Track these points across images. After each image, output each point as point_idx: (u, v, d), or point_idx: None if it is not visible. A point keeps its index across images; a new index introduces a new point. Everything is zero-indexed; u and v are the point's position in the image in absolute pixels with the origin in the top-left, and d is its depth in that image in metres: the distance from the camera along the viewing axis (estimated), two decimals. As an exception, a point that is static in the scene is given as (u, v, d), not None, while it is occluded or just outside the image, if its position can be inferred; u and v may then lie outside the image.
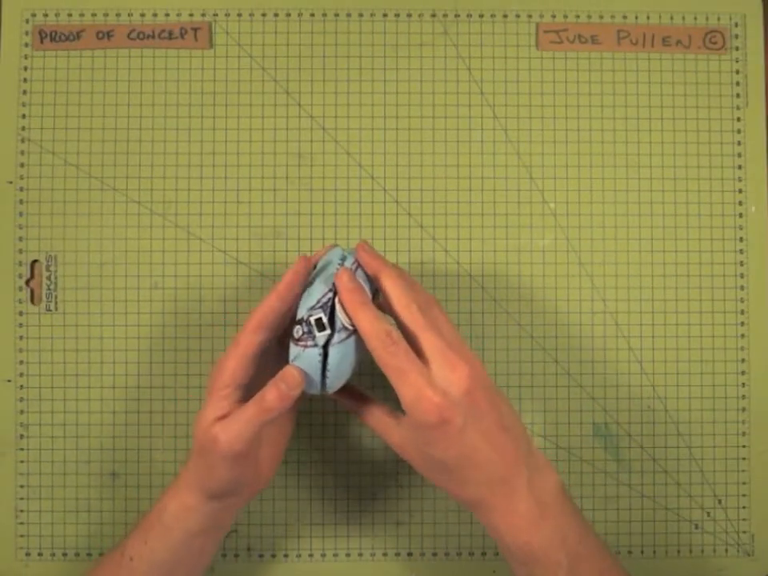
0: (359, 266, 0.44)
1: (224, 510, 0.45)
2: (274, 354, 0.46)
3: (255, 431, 0.42)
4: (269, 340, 0.44)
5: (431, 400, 0.40)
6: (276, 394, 0.41)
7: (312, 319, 0.42)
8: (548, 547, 0.42)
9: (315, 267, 0.45)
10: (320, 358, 0.42)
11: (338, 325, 0.42)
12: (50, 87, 0.54)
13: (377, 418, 0.44)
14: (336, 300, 0.42)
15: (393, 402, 0.43)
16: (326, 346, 0.42)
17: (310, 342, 0.42)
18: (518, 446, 0.42)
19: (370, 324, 0.41)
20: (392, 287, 0.43)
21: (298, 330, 0.42)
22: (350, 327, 0.42)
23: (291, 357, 0.43)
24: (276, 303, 0.43)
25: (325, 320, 0.42)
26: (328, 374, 0.42)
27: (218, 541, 0.47)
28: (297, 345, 0.42)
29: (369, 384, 0.53)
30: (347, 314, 0.42)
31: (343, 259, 0.45)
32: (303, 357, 0.42)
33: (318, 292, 0.43)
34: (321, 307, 0.42)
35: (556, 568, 0.42)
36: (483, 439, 0.41)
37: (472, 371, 0.41)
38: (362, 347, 0.43)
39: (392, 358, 0.41)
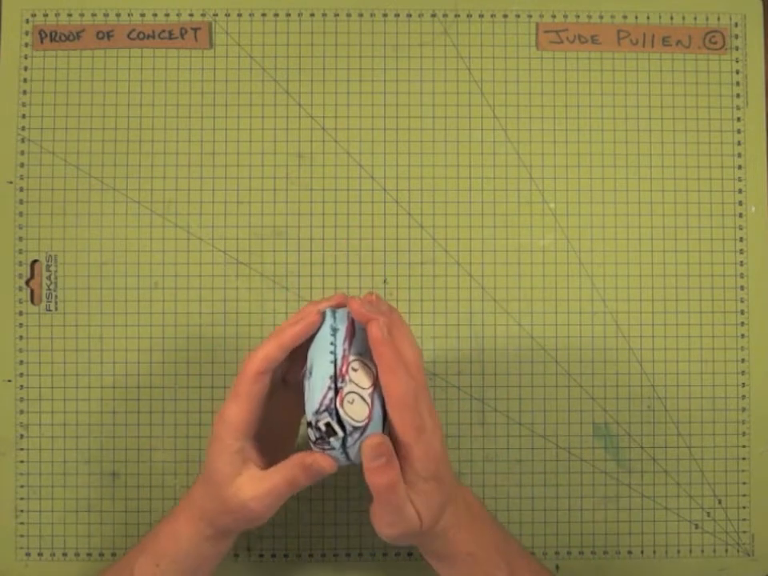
0: (354, 328, 0.42)
1: (230, 540, 0.46)
2: (281, 393, 0.45)
3: (282, 499, 0.42)
4: (268, 385, 0.42)
5: (433, 454, 0.41)
6: (306, 476, 0.41)
7: (321, 425, 0.40)
8: (489, 553, 0.44)
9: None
10: (343, 457, 0.41)
11: (348, 427, 0.39)
12: (50, 87, 0.54)
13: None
14: (338, 401, 0.40)
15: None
16: (343, 447, 0.40)
17: (326, 446, 0.40)
18: (450, 464, 0.44)
19: (405, 381, 0.40)
20: (394, 383, 0.40)
21: (311, 434, 0.40)
22: (360, 423, 0.40)
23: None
24: (277, 353, 0.41)
25: (334, 424, 0.39)
26: (356, 461, 0.41)
27: (218, 563, 0.47)
28: (315, 447, 0.41)
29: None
30: (352, 410, 0.40)
31: (334, 331, 0.41)
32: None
33: (318, 391, 0.40)
34: (326, 411, 0.40)
35: (497, 572, 0.44)
36: (451, 473, 0.43)
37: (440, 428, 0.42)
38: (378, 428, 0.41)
39: (413, 414, 0.40)
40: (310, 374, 0.41)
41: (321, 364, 0.40)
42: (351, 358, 0.40)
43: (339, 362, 0.40)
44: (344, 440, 0.40)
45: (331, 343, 0.41)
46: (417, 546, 0.45)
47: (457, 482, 0.45)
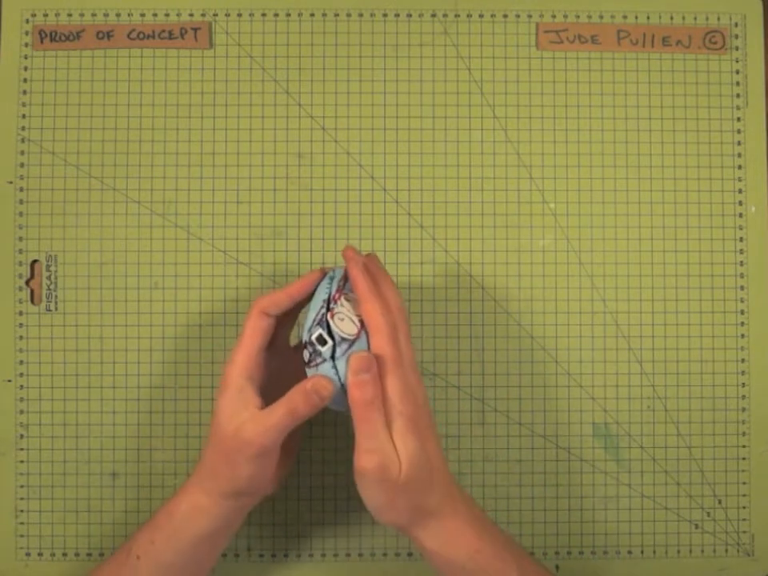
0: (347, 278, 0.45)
1: (234, 512, 0.45)
2: (289, 356, 0.47)
3: (283, 434, 0.42)
4: (270, 329, 0.44)
5: (411, 397, 0.43)
6: (306, 402, 0.42)
7: (313, 338, 0.43)
8: (496, 551, 0.44)
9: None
10: (334, 371, 0.42)
11: (337, 338, 0.43)
12: (49, 87, 0.54)
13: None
14: (329, 315, 0.43)
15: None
16: (333, 358, 0.43)
17: (319, 359, 0.43)
18: (440, 443, 0.45)
19: (381, 317, 0.43)
20: (373, 319, 0.43)
21: (305, 354, 0.43)
22: (349, 336, 0.43)
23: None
24: (283, 299, 0.44)
25: (324, 334, 0.43)
26: (345, 382, 0.43)
27: (224, 545, 0.47)
28: (309, 367, 0.43)
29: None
30: (342, 325, 0.43)
31: (331, 279, 0.45)
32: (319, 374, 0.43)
33: (313, 313, 0.44)
34: (318, 324, 0.43)
35: (509, 570, 0.44)
36: (434, 444, 0.44)
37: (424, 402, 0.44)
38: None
39: (393, 348, 0.42)
40: (308, 309, 0.45)
41: (318, 298, 0.44)
42: (345, 291, 0.44)
43: (333, 292, 0.44)
44: (333, 349, 0.42)
45: (328, 284, 0.45)
46: (420, 546, 0.44)
47: (454, 479, 0.45)
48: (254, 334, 0.44)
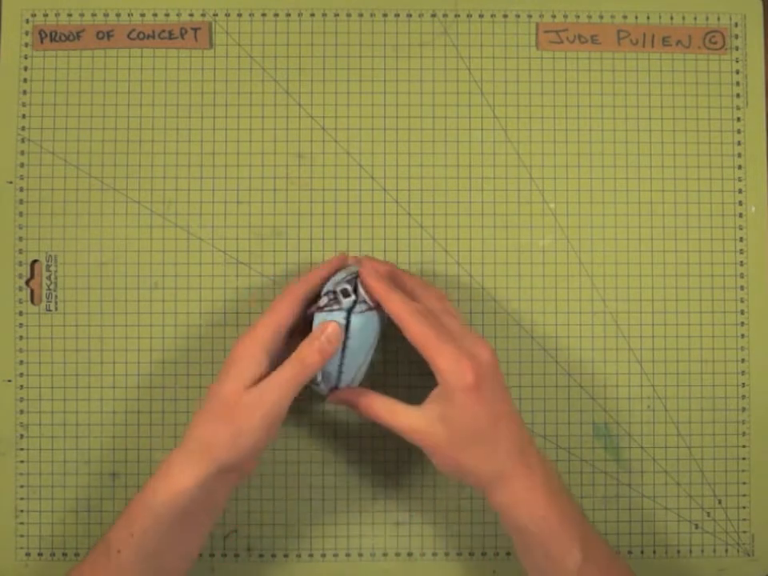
0: None
1: (217, 491, 0.45)
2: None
3: (296, 390, 0.43)
4: (297, 311, 0.46)
5: (466, 363, 0.42)
6: (312, 347, 0.43)
7: (338, 289, 0.45)
8: (564, 521, 0.43)
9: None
10: (344, 322, 0.44)
11: (361, 297, 0.45)
12: (50, 87, 0.54)
13: (384, 405, 0.45)
14: (358, 280, 0.45)
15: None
16: (349, 311, 0.44)
17: (335, 306, 0.44)
18: (523, 422, 0.46)
19: (401, 303, 0.44)
20: (399, 314, 0.44)
21: (323, 300, 0.45)
22: (372, 303, 0.45)
23: (315, 324, 0.45)
24: (314, 280, 0.47)
25: (350, 290, 0.45)
26: (349, 342, 0.45)
27: (210, 524, 0.47)
28: (322, 311, 0.45)
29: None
30: (372, 295, 0.45)
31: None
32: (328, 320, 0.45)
33: (343, 273, 0.47)
34: (347, 282, 0.45)
35: (570, 544, 0.43)
36: (505, 408, 0.44)
37: (492, 352, 0.44)
38: (380, 329, 0.46)
39: (424, 328, 0.43)
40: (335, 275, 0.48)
41: (349, 269, 0.47)
42: None
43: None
44: (354, 303, 0.45)
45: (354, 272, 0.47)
46: (490, 501, 0.44)
47: (532, 440, 0.46)
48: (281, 312, 0.45)
